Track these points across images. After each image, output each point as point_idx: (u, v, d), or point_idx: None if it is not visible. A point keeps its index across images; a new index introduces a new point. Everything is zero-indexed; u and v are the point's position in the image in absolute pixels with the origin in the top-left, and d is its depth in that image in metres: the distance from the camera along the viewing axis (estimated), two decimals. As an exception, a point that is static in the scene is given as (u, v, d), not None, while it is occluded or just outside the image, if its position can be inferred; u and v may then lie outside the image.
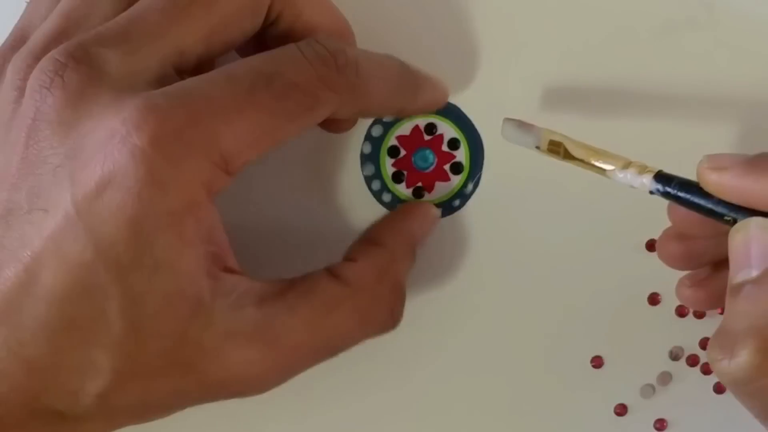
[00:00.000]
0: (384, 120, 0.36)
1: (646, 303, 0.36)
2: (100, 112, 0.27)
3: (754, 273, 0.27)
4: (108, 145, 0.27)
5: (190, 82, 0.28)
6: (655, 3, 0.35)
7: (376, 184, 0.36)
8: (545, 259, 0.36)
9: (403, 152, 0.36)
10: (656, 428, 0.37)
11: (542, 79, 0.35)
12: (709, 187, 0.28)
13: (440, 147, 0.36)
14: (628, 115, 0.36)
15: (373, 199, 0.36)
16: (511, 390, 0.37)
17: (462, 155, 0.36)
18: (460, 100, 0.35)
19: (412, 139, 0.36)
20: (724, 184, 0.28)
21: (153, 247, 0.27)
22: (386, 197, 0.36)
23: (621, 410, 0.37)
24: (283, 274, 0.31)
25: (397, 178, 0.36)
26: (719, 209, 0.28)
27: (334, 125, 0.34)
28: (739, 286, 0.27)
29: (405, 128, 0.36)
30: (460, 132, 0.36)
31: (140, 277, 0.27)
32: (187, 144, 0.27)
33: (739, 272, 0.27)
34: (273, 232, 0.36)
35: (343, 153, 0.36)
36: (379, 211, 0.36)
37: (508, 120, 0.34)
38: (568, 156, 0.32)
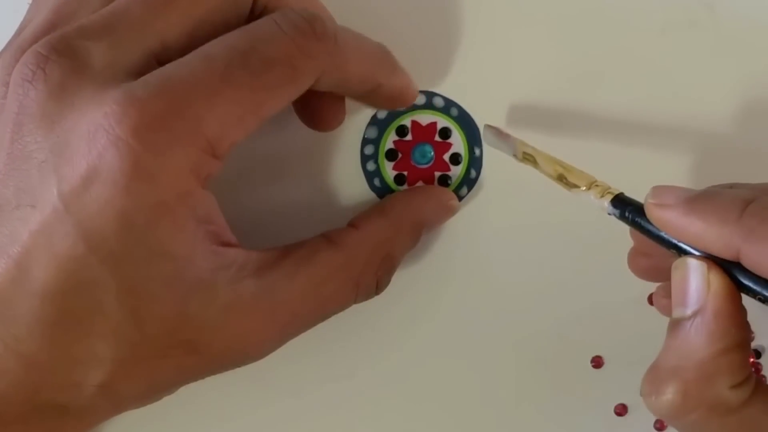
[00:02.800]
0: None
1: (646, 303, 0.36)
2: (83, 105, 0.27)
3: (688, 312, 0.27)
4: (92, 139, 0.27)
5: (168, 68, 0.28)
6: (655, 4, 0.35)
7: (369, 149, 0.36)
8: (545, 259, 0.36)
9: (409, 137, 0.36)
10: (656, 428, 0.37)
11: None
12: (653, 222, 0.28)
13: (443, 154, 0.36)
14: (631, 119, 0.36)
15: (358, 159, 0.36)
16: (511, 389, 0.37)
17: (456, 173, 0.36)
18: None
19: (424, 131, 0.36)
20: (666, 221, 0.28)
21: (147, 238, 0.27)
22: (371, 166, 0.36)
23: (621, 410, 0.37)
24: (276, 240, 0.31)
25: (390, 155, 0.36)
26: (666, 239, 0.28)
27: (322, 122, 0.34)
28: (676, 322, 0.27)
29: (423, 118, 0.36)
30: (467, 151, 0.36)
31: (137, 267, 0.27)
32: (170, 133, 0.27)
33: (676, 309, 0.28)
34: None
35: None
36: (358, 171, 0.36)
37: (488, 127, 0.34)
38: (539, 168, 0.32)
